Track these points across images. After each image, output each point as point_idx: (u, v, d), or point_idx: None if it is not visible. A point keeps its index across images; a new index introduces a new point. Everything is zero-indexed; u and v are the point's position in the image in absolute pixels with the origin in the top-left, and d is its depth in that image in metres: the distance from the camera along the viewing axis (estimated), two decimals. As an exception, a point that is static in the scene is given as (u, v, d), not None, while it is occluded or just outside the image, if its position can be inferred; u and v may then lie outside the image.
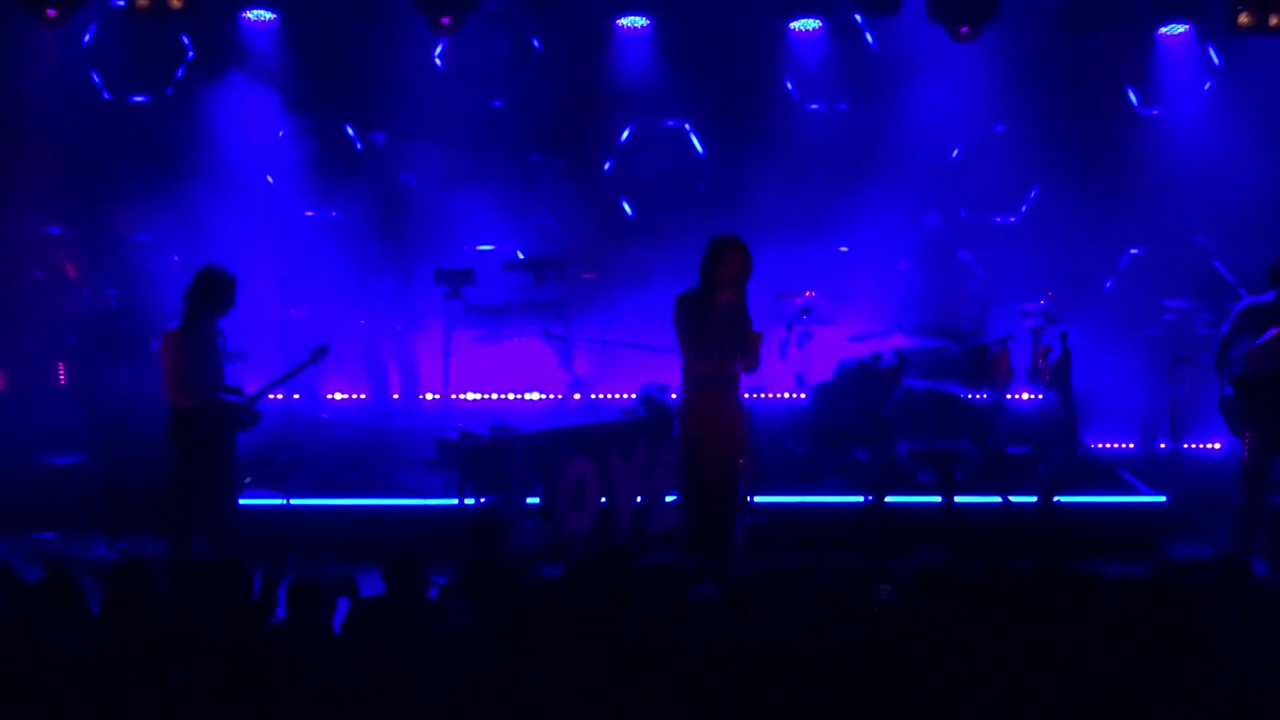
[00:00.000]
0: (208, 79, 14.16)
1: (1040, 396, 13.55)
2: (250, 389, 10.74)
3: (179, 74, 14.53)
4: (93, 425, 12.44)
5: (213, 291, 10.59)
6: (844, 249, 14.94)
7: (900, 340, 13.46)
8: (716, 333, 10.64)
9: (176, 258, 13.61)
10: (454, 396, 13.86)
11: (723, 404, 10.82)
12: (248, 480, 12.56)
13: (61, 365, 12.82)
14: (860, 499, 12.26)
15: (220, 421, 10.64)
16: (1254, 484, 11.75)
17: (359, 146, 14.72)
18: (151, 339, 12.06)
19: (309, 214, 14.45)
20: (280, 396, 12.86)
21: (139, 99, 14.51)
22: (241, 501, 12.22)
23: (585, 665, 6.96)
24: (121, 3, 13.67)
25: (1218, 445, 13.58)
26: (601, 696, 6.71)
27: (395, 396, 13.92)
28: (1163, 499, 12.85)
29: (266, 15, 13.71)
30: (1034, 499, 12.15)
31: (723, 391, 10.79)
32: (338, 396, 14.32)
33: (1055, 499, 11.87)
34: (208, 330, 10.58)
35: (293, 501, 11.92)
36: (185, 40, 14.54)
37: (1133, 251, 14.89)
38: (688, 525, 11.08)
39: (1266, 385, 11.64)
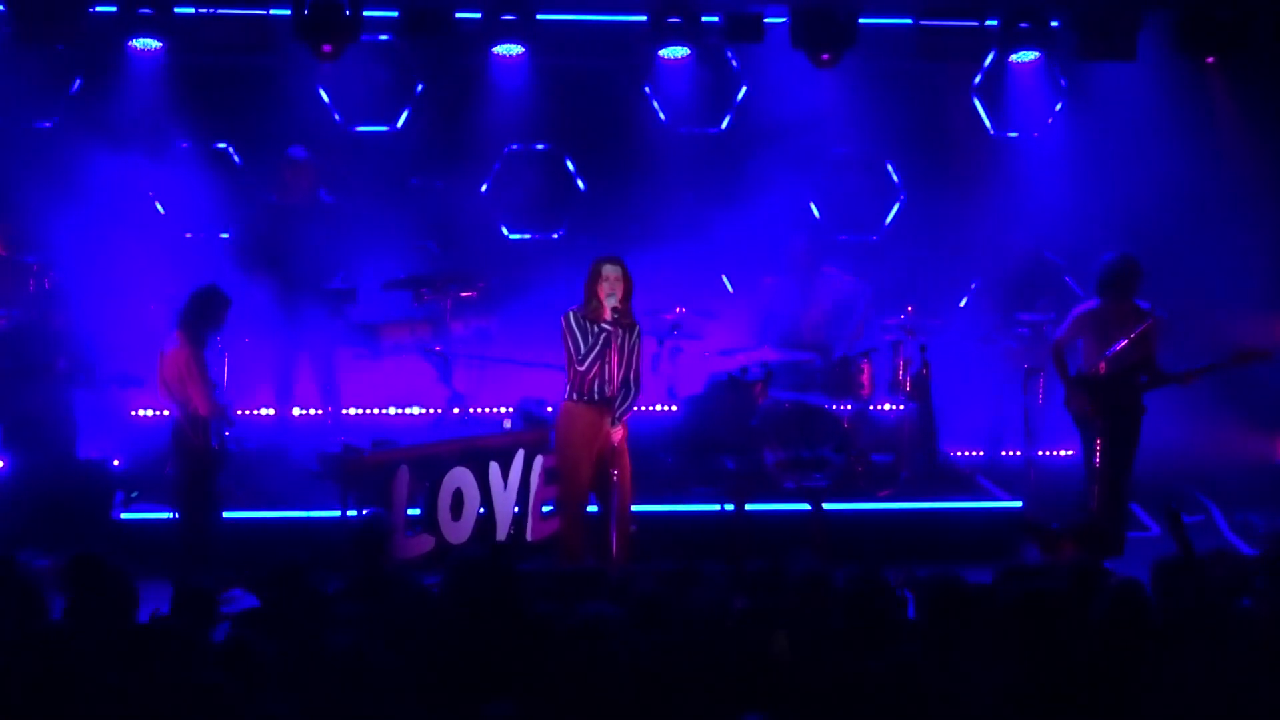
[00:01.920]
0: (95, 105, 14.21)
1: (901, 407, 13.81)
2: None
3: (67, 100, 14.54)
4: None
5: (211, 310, 11.47)
6: (713, 266, 15.20)
7: (768, 354, 13.79)
8: (596, 349, 11.10)
9: (57, 279, 13.79)
10: (336, 411, 13.96)
11: (598, 417, 11.28)
12: (134, 495, 12.81)
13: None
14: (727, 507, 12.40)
15: (227, 419, 11.66)
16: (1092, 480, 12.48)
17: (247, 175, 14.79)
18: (57, 362, 12.33)
19: (189, 235, 14.64)
20: (167, 413, 13.11)
21: (28, 124, 14.52)
22: (126, 516, 12.57)
23: (470, 669, 7.27)
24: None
25: (1069, 452, 13.96)
26: (486, 701, 6.83)
27: (276, 413, 13.99)
28: (1018, 504, 13.25)
29: (153, 44, 13.66)
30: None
31: (599, 406, 11.26)
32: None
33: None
34: (206, 345, 11.48)
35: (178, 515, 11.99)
36: (73, 67, 14.50)
37: (987, 268, 15.23)
38: (562, 534, 11.51)
39: (1102, 388, 12.38)
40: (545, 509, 12.11)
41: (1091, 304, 12.67)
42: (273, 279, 13.47)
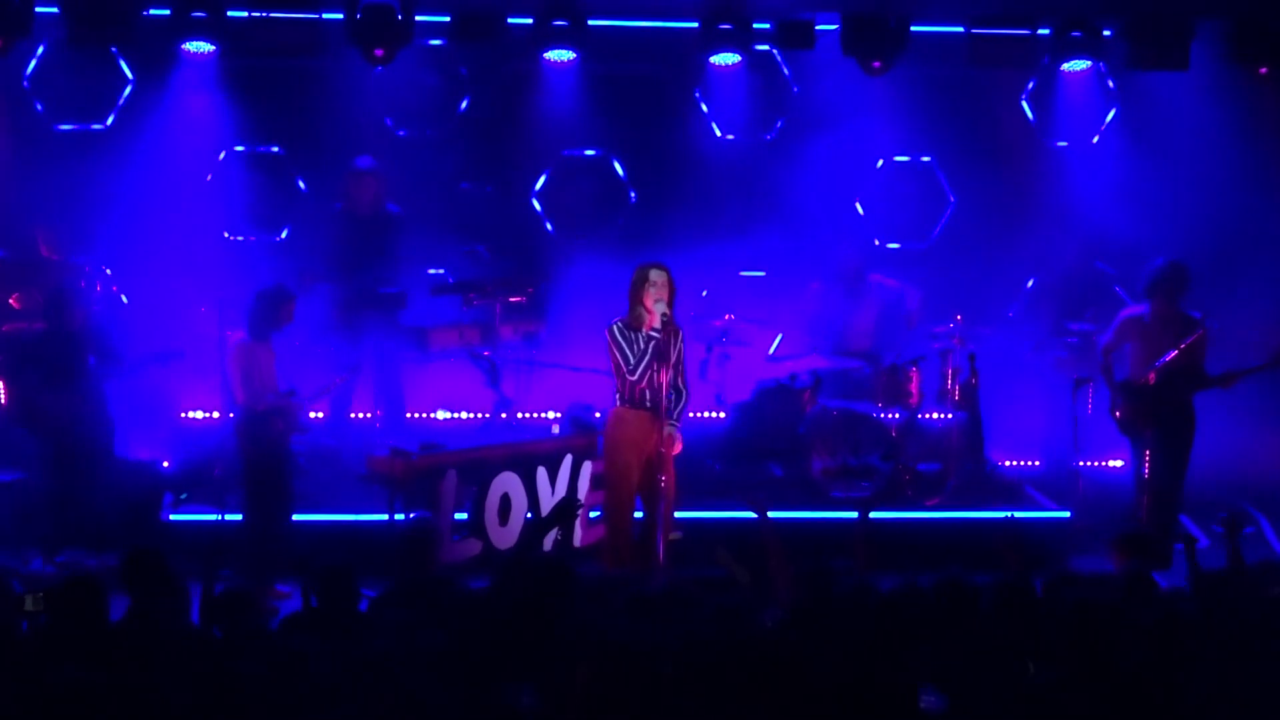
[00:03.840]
0: (149, 108, 14.29)
1: (949, 416, 13.80)
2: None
3: (120, 104, 14.63)
4: (33, 443, 12.49)
5: (280, 307, 11.54)
6: (762, 273, 15.23)
7: (816, 361, 13.86)
8: (646, 358, 11.05)
9: (115, 284, 13.91)
10: (399, 415, 13.96)
11: (648, 424, 11.23)
12: (184, 497, 12.85)
13: (2, 385, 12.85)
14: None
15: (287, 421, 11.60)
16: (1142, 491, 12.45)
17: (298, 178, 14.94)
18: (87, 360, 12.37)
19: (248, 239, 14.71)
20: (216, 415, 13.17)
21: (82, 127, 14.63)
22: (175, 517, 12.62)
23: (516, 675, 7.24)
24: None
25: (1119, 463, 13.90)
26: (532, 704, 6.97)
27: (324, 416, 13.99)
28: (1066, 514, 13.23)
29: (206, 47, 13.64)
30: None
31: (649, 412, 11.21)
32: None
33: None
34: (271, 342, 11.56)
35: (227, 517, 12.16)
36: (126, 71, 14.63)
37: (1037, 277, 15.25)
38: (608, 540, 11.50)
39: (1149, 397, 12.35)
40: (593, 514, 12.12)
41: (1137, 309, 12.71)
42: (334, 285, 13.55)
